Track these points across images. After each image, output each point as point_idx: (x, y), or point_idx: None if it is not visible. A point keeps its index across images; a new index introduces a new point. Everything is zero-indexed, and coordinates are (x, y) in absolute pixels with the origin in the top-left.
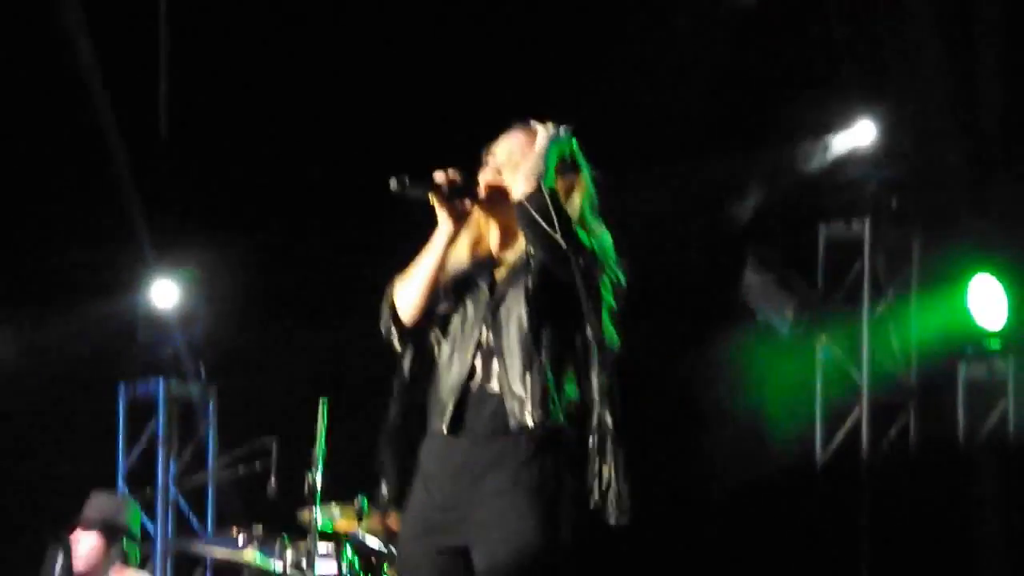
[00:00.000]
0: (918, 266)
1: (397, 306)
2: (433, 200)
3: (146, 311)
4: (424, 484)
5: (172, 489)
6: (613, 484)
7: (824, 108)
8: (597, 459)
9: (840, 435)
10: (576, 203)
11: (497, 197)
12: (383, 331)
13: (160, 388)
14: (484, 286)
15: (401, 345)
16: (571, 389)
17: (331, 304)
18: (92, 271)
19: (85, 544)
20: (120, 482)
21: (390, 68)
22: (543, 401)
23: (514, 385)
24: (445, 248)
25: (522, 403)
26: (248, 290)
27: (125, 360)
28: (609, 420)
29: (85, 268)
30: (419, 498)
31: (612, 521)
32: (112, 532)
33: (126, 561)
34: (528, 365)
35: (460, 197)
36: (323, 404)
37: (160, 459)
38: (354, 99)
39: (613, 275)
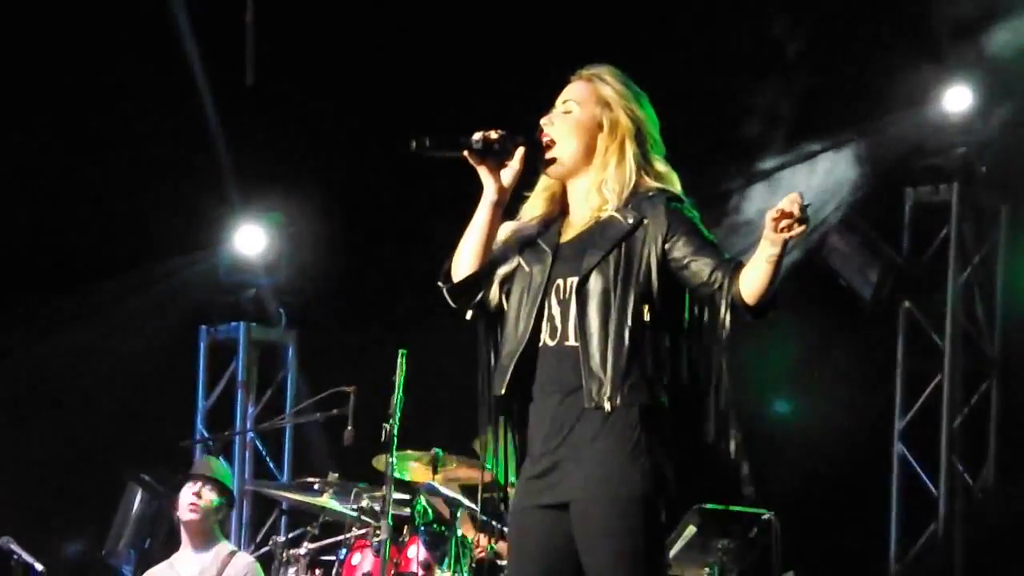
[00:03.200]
0: (1006, 232)
1: (452, 272)
2: (471, 161)
3: (230, 256)
4: (529, 446)
5: (250, 433)
6: (741, 466)
7: (919, 75)
8: (720, 441)
9: (920, 402)
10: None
11: (549, 159)
12: (446, 297)
13: (241, 332)
14: (548, 249)
15: (468, 311)
16: (660, 366)
17: (414, 253)
18: (179, 216)
19: (198, 494)
20: (199, 424)
21: (475, 18)
22: (622, 383)
23: (593, 362)
24: (491, 211)
25: (600, 385)
26: (332, 237)
27: (208, 304)
28: (724, 399)
29: (172, 213)
30: (525, 461)
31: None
32: (230, 497)
33: (222, 526)
34: (608, 344)
35: (497, 156)
36: (402, 355)
37: (239, 403)
38: (441, 46)
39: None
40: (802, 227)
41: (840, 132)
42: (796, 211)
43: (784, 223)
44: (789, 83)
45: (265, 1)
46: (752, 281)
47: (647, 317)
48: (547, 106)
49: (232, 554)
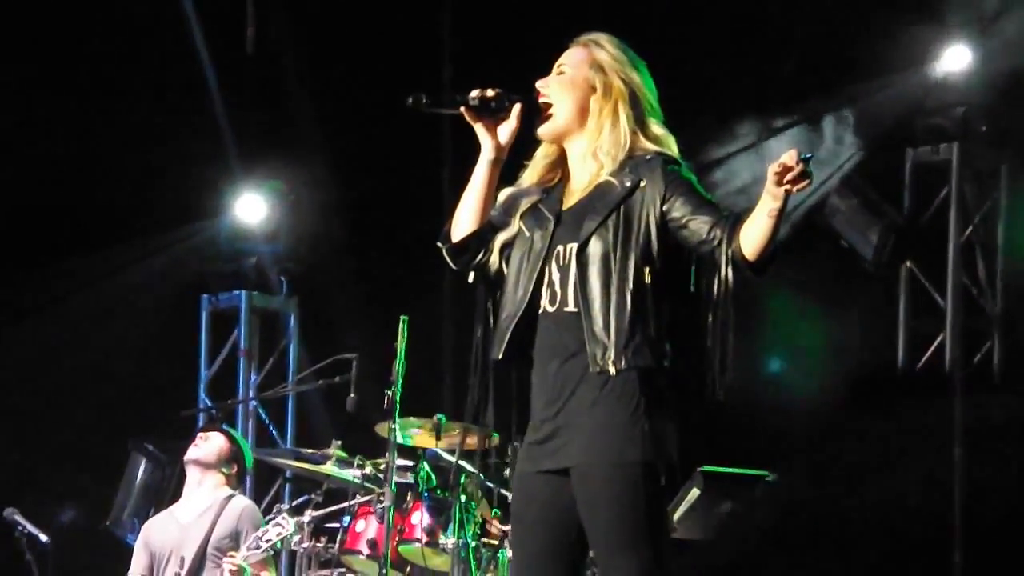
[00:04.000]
0: (1007, 191)
1: (452, 232)
2: (467, 118)
3: (230, 224)
4: (531, 413)
5: (252, 401)
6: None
7: (919, 34)
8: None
9: (923, 361)
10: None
11: (544, 117)
12: (446, 258)
13: (242, 300)
14: (551, 216)
15: (470, 273)
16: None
17: (414, 219)
18: (179, 185)
19: (204, 435)
20: (202, 393)
21: None
22: (626, 346)
23: (595, 327)
24: (489, 170)
25: (604, 349)
26: (332, 204)
27: (209, 273)
28: (726, 356)
29: (172, 182)
30: (528, 428)
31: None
32: (240, 458)
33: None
34: (610, 307)
35: (494, 114)
36: (403, 322)
37: (241, 371)
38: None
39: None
40: (805, 181)
41: (840, 93)
42: (797, 165)
43: (788, 176)
44: (787, 44)
45: None
46: (752, 236)
47: (648, 279)
48: (546, 71)
49: (230, 497)
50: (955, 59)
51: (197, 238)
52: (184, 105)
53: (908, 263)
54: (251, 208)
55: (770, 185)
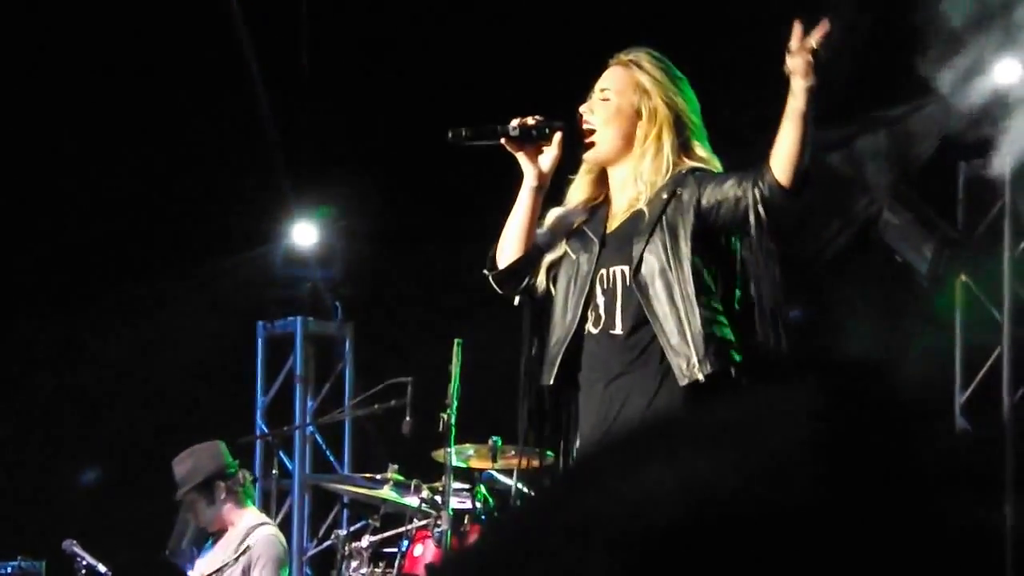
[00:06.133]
0: None
1: (496, 258)
2: (509, 148)
3: (286, 249)
4: (579, 431)
5: (309, 427)
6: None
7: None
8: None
9: (980, 375)
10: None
11: (588, 144)
12: (492, 284)
13: (298, 326)
14: (595, 238)
15: (515, 297)
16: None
17: (469, 242)
18: (233, 211)
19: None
20: (258, 419)
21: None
22: (707, 351)
23: (673, 340)
24: (532, 197)
25: (688, 360)
26: (387, 229)
27: (265, 299)
28: (774, 303)
29: (226, 208)
30: (575, 451)
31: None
32: (201, 487)
33: (238, 501)
34: (681, 317)
35: (535, 142)
36: (457, 344)
37: (298, 397)
38: (496, 35)
39: None
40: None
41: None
42: (809, 42)
43: (802, 57)
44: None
45: None
46: (781, 152)
47: (708, 280)
48: (587, 90)
49: (257, 527)
50: (1006, 73)
51: (252, 265)
52: (238, 132)
53: (963, 277)
54: (305, 234)
55: (792, 65)
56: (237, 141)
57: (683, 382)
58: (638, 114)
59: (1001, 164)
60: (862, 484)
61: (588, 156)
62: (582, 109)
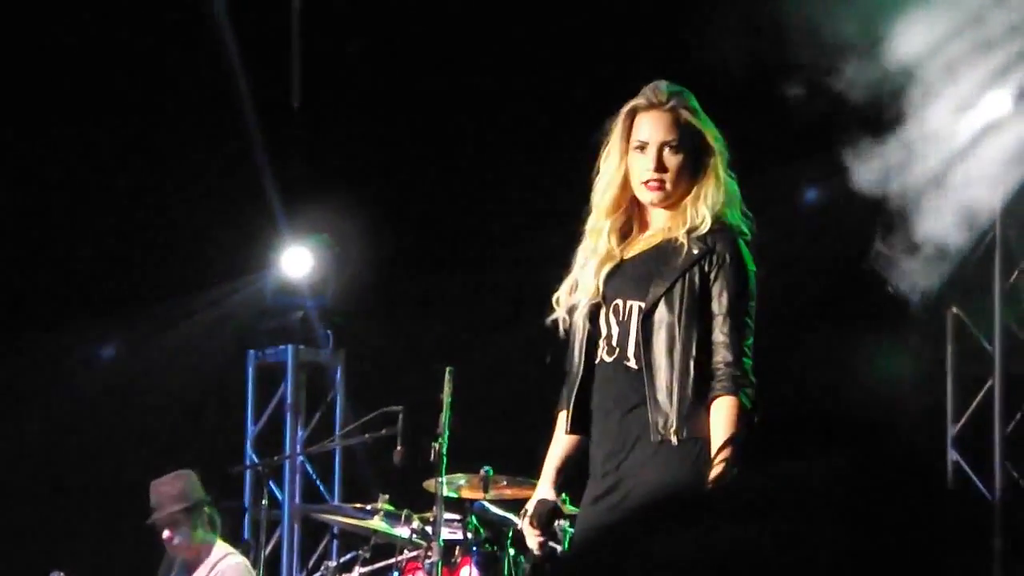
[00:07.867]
0: None
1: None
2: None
3: (276, 278)
4: (591, 465)
5: (300, 456)
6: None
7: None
8: None
9: (972, 408)
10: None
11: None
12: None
13: (289, 355)
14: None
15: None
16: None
17: (460, 273)
18: (223, 239)
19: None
20: (248, 448)
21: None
22: (688, 417)
23: (659, 395)
24: None
25: (667, 419)
26: (378, 257)
27: (255, 327)
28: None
29: (217, 236)
30: (588, 482)
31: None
32: (190, 510)
33: (214, 531)
34: (672, 377)
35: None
36: (449, 373)
37: (288, 426)
38: (484, 62)
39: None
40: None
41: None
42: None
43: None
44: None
45: (311, 22)
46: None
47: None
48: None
49: (224, 557)
50: (994, 106)
51: (243, 293)
52: (229, 160)
53: (954, 308)
54: (297, 262)
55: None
56: (228, 169)
57: (655, 439)
58: (699, 153)
59: (991, 197)
60: (880, 552)
61: (655, 200)
62: (653, 171)
